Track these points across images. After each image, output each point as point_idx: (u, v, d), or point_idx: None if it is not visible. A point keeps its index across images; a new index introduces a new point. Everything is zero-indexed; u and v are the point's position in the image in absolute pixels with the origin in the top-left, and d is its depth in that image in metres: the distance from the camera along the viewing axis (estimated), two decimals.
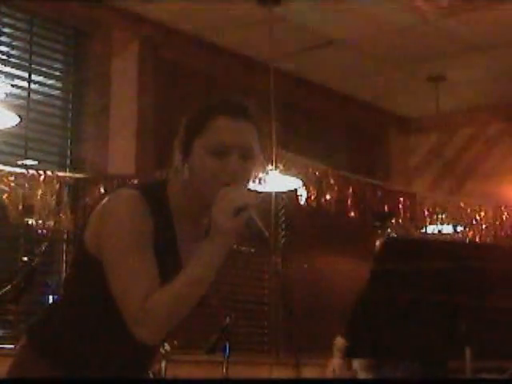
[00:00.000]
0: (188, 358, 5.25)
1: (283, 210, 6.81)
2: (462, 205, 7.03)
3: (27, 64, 5.48)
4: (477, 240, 6.90)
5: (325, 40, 6.35)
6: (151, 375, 3.80)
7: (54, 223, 5.19)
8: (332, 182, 6.19)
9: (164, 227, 2.01)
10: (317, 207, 6.17)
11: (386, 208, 6.58)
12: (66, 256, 5.55)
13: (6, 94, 4.93)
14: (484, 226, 7.02)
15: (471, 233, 7.02)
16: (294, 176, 5.65)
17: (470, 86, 7.20)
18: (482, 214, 7.04)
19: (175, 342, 3.94)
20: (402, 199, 6.80)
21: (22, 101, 5.36)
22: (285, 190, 5.83)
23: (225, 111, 2.03)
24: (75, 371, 2.05)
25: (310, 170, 5.94)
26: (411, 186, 7.67)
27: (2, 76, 5.27)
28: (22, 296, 3.25)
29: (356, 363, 5.08)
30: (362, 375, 4.97)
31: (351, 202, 6.31)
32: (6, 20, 5.45)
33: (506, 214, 7.07)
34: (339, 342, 5.13)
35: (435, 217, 6.94)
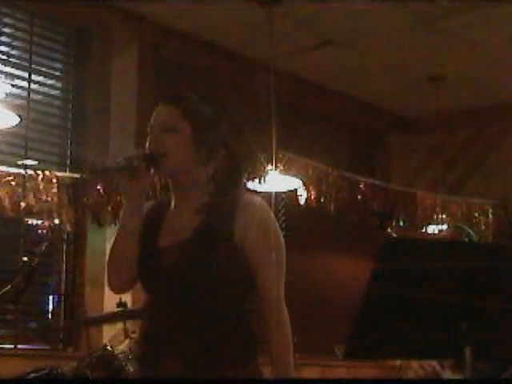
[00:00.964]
0: None
1: (283, 210, 6.81)
2: (461, 205, 7.03)
3: (27, 64, 5.48)
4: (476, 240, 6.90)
5: (325, 40, 6.35)
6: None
7: (54, 223, 5.19)
8: (332, 182, 6.19)
9: None
10: (317, 207, 6.17)
11: (385, 208, 6.57)
12: (65, 256, 5.55)
13: (6, 94, 4.93)
14: (484, 226, 7.03)
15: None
16: (293, 176, 5.65)
17: (469, 85, 7.20)
18: (482, 213, 7.04)
19: None
20: (401, 199, 6.80)
21: (21, 101, 5.36)
22: (285, 190, 5.83)
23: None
24: None
25: (310, 169, 5.95)
26: (411, 186, 7.66)
27: (2, 76, 5.27)
28: (22, 296, 3.25)
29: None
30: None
31: (351, 201, 6.31)
32: (6, 20, 5.45)
33: (506, 214, 7.07)
34: None
35: (435, 217, 6.94)
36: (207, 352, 2.33)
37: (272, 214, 2.49)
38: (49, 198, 5.13)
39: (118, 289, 2.49)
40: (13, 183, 5.00)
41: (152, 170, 2.42)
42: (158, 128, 2.46)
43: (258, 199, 2.49)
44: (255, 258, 2.40)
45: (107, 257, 2.48)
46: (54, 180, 5.18)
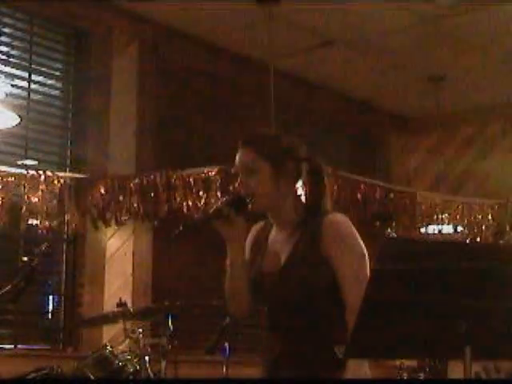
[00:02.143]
0: (188, 358, 5.25)
1: None
2: (461, 205, 7.03)
3: (27, 64, 5.48)
4: (477, 240, 6.90)
5: (325, 40, 6.35)
6: (151, 375, 3.80)
7: (54, 223, 5.19)
8: (332, 182, 6.18)
9: None
10: None
11: (385, 208, 6.57)
12: (66, 256, 5.55)
13: (6, 94, 4.93)
14: (484, 226, 7.02)
15: (471, 233, 7.02)
16: None
17: (469, 85, 7.20)
18: (482, 213, 7.04)
19: (175, 342, 3.93)
20: (401, 199, 6.79)
21: (22, 101, 5.36)
22: None
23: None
24: None
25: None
26: (411, 186, 7.67)
27: (2, 76, 5.28)
28: (22, 296, 3.25)
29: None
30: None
31: (351, 202, 6.30)
32: (6, 20, 5.45)
33: (506, 214, 7.07)
34: None
35: (435, 217, 6.94)
36: (313, 356, 2.56)
37: (354, 228, 2.63)
38: (49, 198, 5.13)
39: (239, 316, 2.79)
40: (13, 183, 5.00)
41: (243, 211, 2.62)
42: (241, 171, 2.65)
43: (340, 215, 2.65)
44: (341, 270, 2.56)
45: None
46: (55, 180, 5.18)
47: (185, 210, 5.44)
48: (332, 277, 2.56)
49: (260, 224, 2.79)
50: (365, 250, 2.58)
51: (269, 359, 2.69)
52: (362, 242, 2.60)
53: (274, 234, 2.72)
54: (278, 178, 2.61)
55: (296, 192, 2.68)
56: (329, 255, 2.56)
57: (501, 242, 6.79)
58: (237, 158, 2.66)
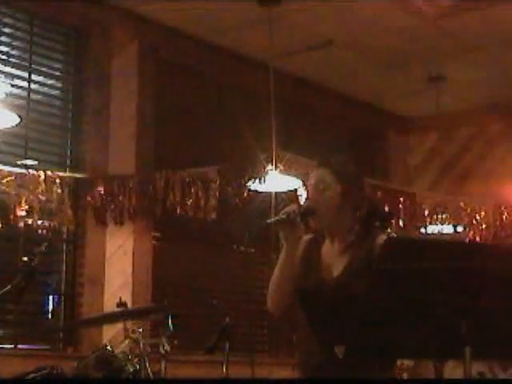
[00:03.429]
0: (188, 358, 5.25)
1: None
2: (462, 205, 7.04)
3: (27, 64, 5.48)
4: (477, 240, 6.90)
5: (325, 40, 6.35)
6: (151, 375, 3.80)
7: (54, 223, 5.19)
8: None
9: None
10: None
11: (386, 208, 6.57)
12: (66, 256, 5.55)
13: (6, 94, 4.92)
14: (484, 226, 7.03)
15: (471, 233, 7.02)
16: (294, 176, 5.64)
17: (470, 86, 7.21)
18: (482, 213, 7.04)
19: (175, 342, 3.93)
20: (402, 199, 6.79)
21: (22, 101, 5.36)
22: (285, 190, 5.83)
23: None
24: None
25: (310, 169, 5.93)
26: (411, 186, 7.67)
27: (2, 76, 5.27)
28: (22, 296, 3.25)
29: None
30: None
31: None
32: (6, 20, 5.45)
33: (506, 214, 7.07)
34: None
35: (435, 217, 6.94)
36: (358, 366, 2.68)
37: None
38: (49, 198, 5.13)
39: (278, 313, 3.05)
40: (13, 183, 5.00)
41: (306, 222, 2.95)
42: (313, 188, 3.00)
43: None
44: None
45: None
46: (55, 180, 5.18)
47: (184, 210, 5.45)
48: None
49: (309, 236, 3.08)
50: None
51: (311, 363, 2.89)
52: None
53: (327, 246, 3.01)
54: (344, 199, 2.94)
55: (354, 212, 2.98)
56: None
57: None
58: (311, 176, 3.04)
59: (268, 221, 3.09)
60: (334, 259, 2.95)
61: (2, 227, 4.98)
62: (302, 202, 3.04)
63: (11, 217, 4.99)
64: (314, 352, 2.78)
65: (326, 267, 2.96)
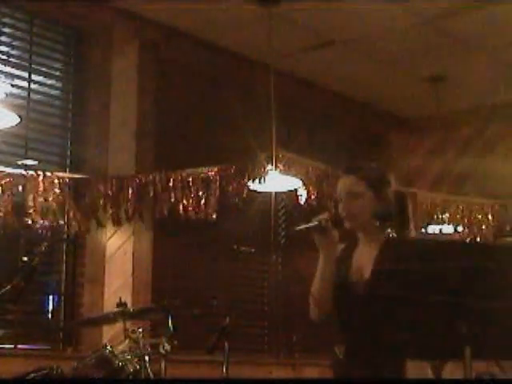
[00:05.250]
0: (188, 358, 5.25)
1: (283, 210, 6.81)
2: (461, 205, 7.03)
3: (27, 64, 5.48)
4: (477, 240, 6.89)
5: (325, 40, 6.35)
6: (151, 375, 3.80)
7: (54, 223, 5.19)
8: (332, 182, 6.18)
9: None
10: (317, 207, 6.16)
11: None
12: (66, 256, 5.55)
13: (6, 94, 4.92)
14: (484, 226, 7.02)
15: (471, 233, 7.01)
16: (294, 176, 5.64)
17: (470, 85, 7.20)
18: (482, 213, 7.04)
19: (175, 342, 3.93)
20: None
21: (21, 101, 5.36)
22: (285, 190, 5.83)
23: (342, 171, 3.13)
24: None
25: (310, 169, 5.94)
26: (411, 186, 7.66)
27: (2, 76, 5.27)
28: (22, 296, 3.25)
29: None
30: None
31: None
32: (6, 20, 5.45)
33: (506, 214, 7.07)
34: None
35: (435, 217, 6.93)
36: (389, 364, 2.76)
37: None
38: (49, 198, 5.13)
39: (318, 319, 3.09)
40: (13, 183, 5.00)
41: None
42: (345, 195, 3.06)
43: None
44: None
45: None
46: (55, 180, 5.18)
47: (184, 209, 5.45)
48: None
49: (344, 242, 3.16)
50: None
51: (339, 362, 3.05)
52: None
53: (359, 249, 3.09)
54: (376, 204, 3.04)
55: (387, 216, 3.08)
56: None
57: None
58: (340, 183, 3.09)
59: (297, 228, 3.13)
60: (367, 261, 3.01)
61: (4, 227, 4.98)
62: (332, 210, 3.13)
63: (11, 217, 4.99)
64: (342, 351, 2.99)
65: (359, 268, 3.03)
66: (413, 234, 3.13)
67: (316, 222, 3.00)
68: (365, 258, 3.04)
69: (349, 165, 3.21)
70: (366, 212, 3.04)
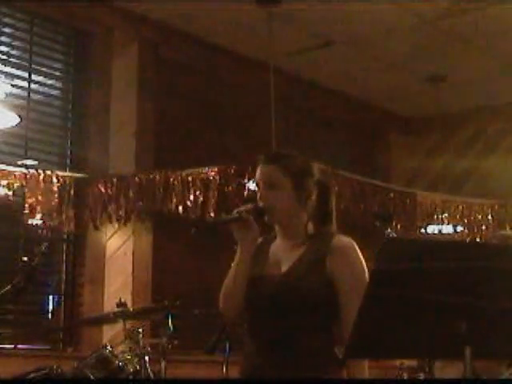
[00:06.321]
0: (188, 358, 5.25)
1: None
2: (461, 205, 7.03)
3: (27, 64, 5.49)
4: (477, 240, 6.90)
5: (325, 40, 6.35)
6: (151, 375, 3.80)
7: (54, 223, 5.19)
8: (332, 181, 6.18)
9: None
10: None
11: (385, 208, 6.57)
12: (65, 256, 5.55)
13: (6, 94, 4.93)
14: (484, 226, 7.03)
15: (471, 233, 7.01)
16: None
17: (469, 86, 7.20)
18: (482, 213, 7.04)
19: (175, 342, 3.94)
20: (401, 199, 6.79)
21: (22, 101, 5.36)
22: None
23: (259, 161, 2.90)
24: None
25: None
26: (411, 186, 7.66)
27: (2, 76, 5.28)
28: (22, 296, 3.25)
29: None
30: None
31: (351, 201, 6.31)
32: (6, 20, 5.45)
33: (506, 214, 7.07)
34: None
35: (435, 217, 6.94)
36: (298, 366, 2.70)
37: (359, 253, 2.79)
38: (49, 198, 5.13)
39: (229, 314, 2.94)
40: (13, 183, 5.00)
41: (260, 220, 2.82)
42: (263, 185, 2.85)
43: (348, 239, 2.80)
44: (342, 288, 2.74)
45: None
46: (55, 180, 5.18)
47: (184, 209, 5.45)
48: (329, 295, 2.72)
49: (264, 236, 2.95)
50: (366, 274, 2.72)
51: (251, 363, 2.82)
52: (366, 268, 2.72)
53: (277, 242, 2.90)
54: (295, 194, 2.82)
55: (308, 208, 2.85)
56: (333, 275, 2.73)
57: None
58: (258, 172, 2.87)
59: (217, 219, 3.02)
60: (285, 255, 2.84)
61: (4, 227, 4.99)
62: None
63: (11, 217, 5.00)
64: (253, 351, 2.81)
65: (276, 261, 2.85)
66: (334, 228, 2.86)
67: (236, 214, 2.80)
68: (285, 251, 2.85)
69: (268, 153, 2.95)
70: (285, 204, 2.81)
